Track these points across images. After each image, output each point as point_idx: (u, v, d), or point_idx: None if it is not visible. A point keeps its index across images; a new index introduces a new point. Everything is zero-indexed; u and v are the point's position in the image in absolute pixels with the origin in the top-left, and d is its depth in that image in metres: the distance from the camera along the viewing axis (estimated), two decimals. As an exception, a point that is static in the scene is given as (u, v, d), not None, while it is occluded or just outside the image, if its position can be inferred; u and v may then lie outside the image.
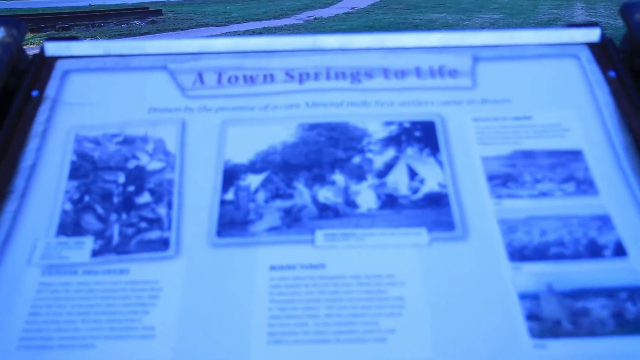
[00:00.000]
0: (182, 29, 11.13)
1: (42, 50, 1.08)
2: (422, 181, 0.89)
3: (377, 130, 0.95)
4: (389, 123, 0.96)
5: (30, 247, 0.85)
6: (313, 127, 0.96)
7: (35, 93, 1.02)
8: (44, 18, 11.21)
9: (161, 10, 13.67)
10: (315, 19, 12.45)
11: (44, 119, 0.99)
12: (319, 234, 0.84)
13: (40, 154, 0.95)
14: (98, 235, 0.86)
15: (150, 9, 13.69)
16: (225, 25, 11.72)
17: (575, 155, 0.90)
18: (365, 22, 11.28)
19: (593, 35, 1.05)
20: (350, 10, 13.96)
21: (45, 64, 1.07)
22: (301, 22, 11.96)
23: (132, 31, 10.87)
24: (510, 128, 0.93)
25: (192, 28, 11.33)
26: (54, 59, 1.08)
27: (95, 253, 0.84)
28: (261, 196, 0.88)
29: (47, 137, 0.96)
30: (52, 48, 1.08)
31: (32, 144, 0.96)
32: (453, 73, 1.01)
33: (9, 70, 1.02)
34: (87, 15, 12.21)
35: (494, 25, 10.07)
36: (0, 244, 0.85)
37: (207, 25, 11.74)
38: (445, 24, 10.94)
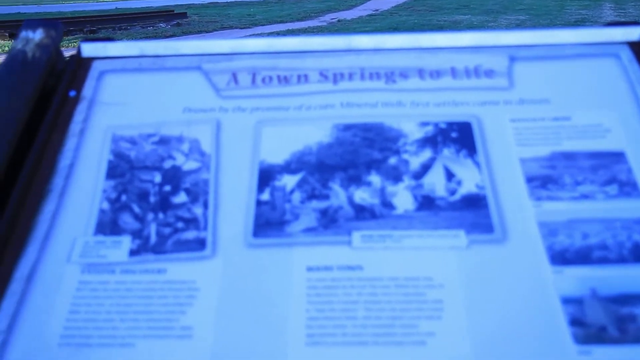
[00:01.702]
0: (206, 32, 11.22)
1: (78, 51, 1.10)
2: (459, 182, 0.88)
3: (413, 131, 0.94)
4: (424, 124, 0.95)
5: (69, 245, 0.86)
6: (348, 127, 0.95)
7: (72, 93, 1.03)
8: (72, 21, 11.38)
9: (186, 13, 13.79)
10: (338, 21, 12.45)
11: (82, 118, 1.00)
12: (356, 235, 0.83)
13: (78, 153, 0.95)
14: (135, 234, 0.86)
15: (175, 11, 13.81)
16: (249, 27, 11.78)
17: (618, 156, 0.88)
18: (389, 24, 11.24)
19: (633, 34, 1.03)
20: (374, 12, 13.93)
21: (82, 64, 1.08)
22: (324, 24, 11.96)
23: (158, 34, 10.99)
24: (549, 129, 0.92)
25: (217, 30, 11.40)
26: (90, 59, 1.09)
27: (132, 252, 0.84)
28: (297, 197, 0.88)
29: (84, 137, 0.97)
30: (89, 49, 1.09)
31: (70, 144, 0.97)
32: (489, 73, 1.00)
33: (47, 70, 1.03)
34: (114, 19, 12.37)
35: (519, 27, 9.96)
36: (40, 242, 0.86)
37: (231, 27, 11.81)
38: (470, 25, 10.86)
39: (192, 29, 11.61)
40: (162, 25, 12.45)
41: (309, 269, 0.80)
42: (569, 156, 0.89)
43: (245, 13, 14.45)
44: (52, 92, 1.04)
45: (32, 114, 0.99)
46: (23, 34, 1.06)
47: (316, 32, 10.46)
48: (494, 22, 11.12)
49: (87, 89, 1.04)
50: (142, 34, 10.99)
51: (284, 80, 1.02)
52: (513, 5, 13.79)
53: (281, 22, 12.62)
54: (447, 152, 0.91)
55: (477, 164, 0.89)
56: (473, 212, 0.85)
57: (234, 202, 0.88)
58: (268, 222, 0.85)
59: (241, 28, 11.72)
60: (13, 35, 10.82)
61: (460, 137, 0.93)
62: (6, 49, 9.56)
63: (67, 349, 0.76)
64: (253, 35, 10.36)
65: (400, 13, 13.25)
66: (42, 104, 1.02)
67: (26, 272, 0.83)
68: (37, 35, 1.06)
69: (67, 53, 1.12)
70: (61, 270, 0.83)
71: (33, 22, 1.08)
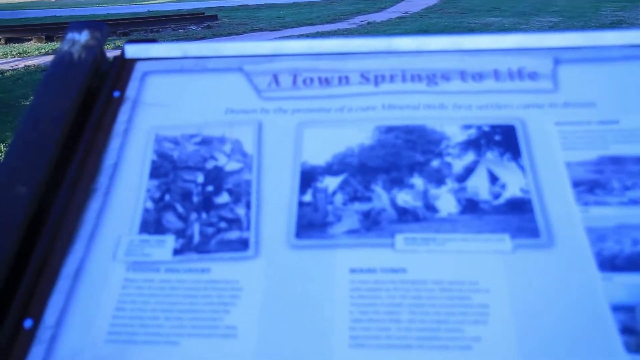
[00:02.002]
0: (236, 34, 11.30)
1: (122, 52, 1.11)
2: (503, 186, 0.87)
3: (456, 134, 0.93)
4: (467, 127, 0.94)
5: (115, 243, 0.87)
6: (390, 129, 0.95)
7: (116, 94, 1.05)
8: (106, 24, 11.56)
9: (216, 15, 13.92)
10: (368, 23, 12.43)
11: (125, 119, 1.01)
12: (399, 238, 0.83)
13: (122, 153, 0.97)
14: (179, 234, 0.87)
15: (205, 14, 13.95)
16: (279, 29, 11.83)
17: (668, 161, 0.86)
18: (419, 27, 11.19)
19: (683, 36, 1.01)
20: (404, 14, 13.87)
21: (125, 65, 1.10)
22: (354, 26, 11.96)
23: (189, 36, 11.11)
24: (595, 132, 0.90)
25: (247, 33, 11.48)
26: (134, 61, 1.11)
27: (176, 251, 0.85)
28: (339, 198, 0.88)
29: (128, 137, 0.99)
30: (132, 50, 1.11)
31: (115, 143, 0.98)
32: (533, 76, 0.99)
33: (92, 71, 1.05)
34: (146, 21, 12.55)
35: (552, 29, 9.82)
36: (86, 240, 0.87)
37: (261, 30, 11.88)
38: (501, 27, 10.74)
39: (222, 31, 11.71)
40: (193, 27, 12.58)
41: (352, 270, 0.80)
42: (616, 160, 0.87)
43: (274, 15, 14.53)
44: (96, 92, 1.06)
45: (78, 113, 1.01)
46: (69, 35, 1.08)
47: (346, 35, 10.46)
48: (525, 25, 10.98)
49: (131, 90, 1.06)
50: (174, 36, 11.12)
51: (325, 81, 1.02)
52: (546, 7, 13.60)
53: (310, 24, 12.65)
54: (490, 155, 0.90)
55: (522, 168, 0.88)
56: (518, 216, 0.83)
57: (276, 203, 0.88)
58: (310, 224, 0.86)
59: (271, 30, 11.78)
60: (49, 38, 11.06)
61: (503, 140, 0.92)
62: (42, 51, 9.77)
63: (114, 346, 0.77)
64: (282, 37, 10.41)
65: (430, 15, 13.18)
66: (87, 104, 1.04)
67: (73, 269, 0.84)
68: (83, 37, 1.08)
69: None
70: (107, 267, 0.84)
71: (79, 24, 1.10)
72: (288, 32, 11.46)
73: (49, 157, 0.93)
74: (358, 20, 13.20)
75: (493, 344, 0.72)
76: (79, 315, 0.80)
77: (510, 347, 0.72)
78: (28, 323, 0.80)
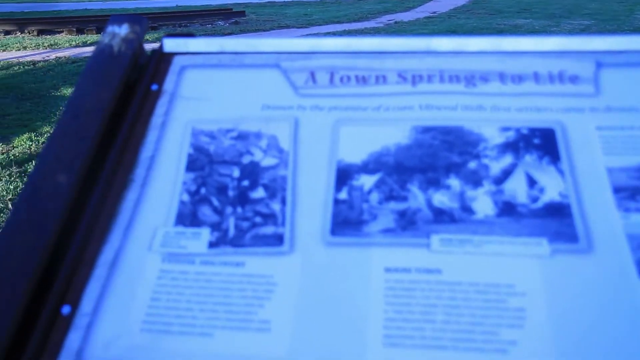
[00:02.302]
0: (264, 30, 11.34)
1: (160, 46, 1.12)
2: (541, 190, 0.86)
3: (494, 136, 0.92)
4: (505, 129, 0.93)
5: (151, 234, 0.88)
6: (427, 130, 0.94)
7: (154, 87, 1.06)
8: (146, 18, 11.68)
9: (244, 11, 13.98)
10: (395, 22, 12.38)
11: (163, 112, 1.02)
12: (435, 239, 0.83)
13: (159, 145, 0.98)
14: (214, 227, 0.88)
15: (233, 10, 14.02)
16: (306, 27, 11.84)
17: None
18: (447, 27, 11.11)
19: None
20: (432, 14, 13.78)
21: (163, 59, 1.11)
22: (382, 25, 11.91)
23: (216, 31, 11.18)
24: (638, 138, 0.89)
25: (274, 29, 11.51)
26: (172, 55, 1.12)
27: (212, 244, 0.86)
28: (375, 197, 0.88)
29: (165, 130, 1.00)
30: (170, 44, 1.12)
31: (152, 136, 0.99)
32: (574, 79, 0.97)
33: (131, 64, 1.06)
34: (175, 16, 12.65)
35: (584, 32, 9.67)
36: (123, 230, 0.88)
37: (288, 27, 11.90)
38: (531, 30, 10.62)
39: (249, 27, 11.76)
40: (221, 23, 12.66)
41: (387, 269, 0.80)
42: (659, 167, 0.86)
43: (302, 13, 14.54)
44: (134, 85, 1.07)
45: (116, 105, 1.02)
46: (109, 28, 1.10)
47: (373, 34, 10.42)
48: (556, 27, 10.84)
49: (169, 83, 1.07)
50: (201, 31, 11.20)
51: (362, 80, 1.02)
52: (577, 10, 13.40)
53: (338, 22, 12.64)
54: (528, 158, 0.89)
55: (561, 172, 0.87)
56: (556, 220, 0.83)
57: (311, 199, 0.89)
58: (346, 221, 0.86)
59: (298, 27, 11.79)
60: (80, 30, 11.22)
61: (542, 143, 0.90)
62: (73, 43, 9.91)
63: (149, 335, 0.78)
64: (309, 35, 10.42)
65: (459, 16, 13.07)
66: (125, 96, 1.05)
67: (110, 258, 0.86)
68: (123, 30, 1.09)
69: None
70: (143, 258, 0.85)
71: (119, 18, 1.12)
72: (315, 29, 11.46)
73: (89, 147, 0.94)
74: (385, 19, 13.15)
75: (529, 348, 0.72)
76: (115, 303, 0.81)
77: (546, 352, 0.71)
78: (66, 309, 0.81)
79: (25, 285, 0.80)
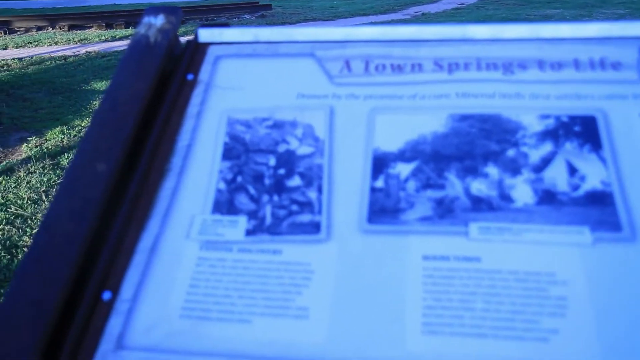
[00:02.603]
0: (290, 23, 11.34)
1: (195, 36, 1.13)
2: (582, 178, 0.84)
3: (533, 124, 0.91)
4: (545, 116, 0.91)
5: (188, 222, 0.89)
6: (464, 118, 0.93)
7: (190, 77, 1.07)
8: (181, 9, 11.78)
9: (270, 5, 13.99)
10: (422, 14, 12.27)
11: (199, 101, 1.03)
12: (473, 227, 0.82)
13: (195, 134, 0.99)
14: (251, 215, 0.88)
15: (260, 3, 14.05)
16: (332, 19, 11.81)
17: None
18: (475, 18, 10.97)
19: None
20: (459, 5, 13.62)
21: (198, 49, 1.12)
22: (408, 17, 11.82)
23: (243, 25, 11.20)
24: (683, 125, 0.86)
25: (300, 22, 11.50)
26: (207, 45, 1.12)
27: (249, 232, 0.86)
28: (411, 185, 0.87)
29: (201, 119, 1.01)
30: (205, 34, 1.13)
31: (188, 125, 1.00)
32: (616, 65, 0.95)
33: (167, 54, 1.07)
34: (202, 9, 12.72)
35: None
36: (161, 217, 0.89)
37: (314, 19, 11.88)
38: (562, 20, 10.42)
39: (275, 20, 11.77)
40: (247, 16, 12.70)
41: (425, 257, 0.80)
42: None
43: (328, 5, 14.49)
44: (170, 75, 1.08)
45: (153, 95, 1.03)
46: (145, 19, 1.11)
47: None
48: (588, 17, 10.62)
49: (204, 73, 1.07)
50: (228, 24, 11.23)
51: (398, 68, 1.01)
52: (609, -1, 13.11)
53: (364, 14, 12.57)
54: (569, 146, 0.88)
55: (603, 160, 0.85)
56: (598, 209, 0.81)
57: (348, 187, 0.88)
58: (383, 209, 0.85)
59: (324, 20, 11.76)
60: (109, 25, 11.35)
61: (583, 131, 0.89)
62: (102, 38, 10.04)
63: (188, 321, 0.79)
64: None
65: (487, 7, 12.90)
66: (161, 86, 1.06)
67: (149, 245, 0.87)
68: (159, 21, 1.10)
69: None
70: (181, 245, 0.86)
71: (155, 9, 1.12)
72: (341, 22, 11.42)
73: (126, 136, 0.95)
74: (412, 11, 13.04)
75: (571, 337, 0.71)
76: (155, 290, 0.82)
77: (589, 341, 0.70)
78: (107, 295, 0.82)
79: (67, 272, 0.82)
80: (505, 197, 0.84)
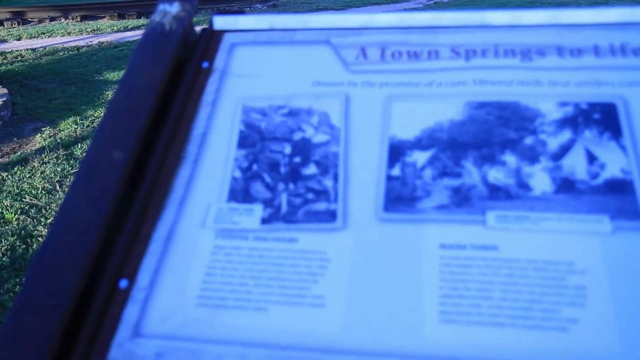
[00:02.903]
0: (301, 13, 11.28)
1: (210, 24, 1.13)
2: (602, 166, 0.83)
3: (551, 111, 0.90)
4: (563, 104, 0.90)
5: (204, 210, 0.89)
6: (481, 105, 0.92)
7: (205, 64, 1.06)
8: None
9: (282, -6, 13.93)
10: (435, 2, 12.16)
11: (214, 89, 1.03)
12: (491, 215, 0.81)
13: (210, 122, 0.98)
14: (267, 203, 0.88)
15: (271, -8, 13.98)
16: (343, 9, 11.74)
17: None
18: (488, 6, 10.85)
19: None
20: (473, -6, 13.47)
21: (213, 37, 1.11)
22: (421, 6, 11.73)
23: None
24: None
25: (311, 11, 11.44)
26: (222, 32, 1.12)
27: (264, 220, 0.86)
28: (428, 173, 0.87)
29: (216, 107, 1.00)
30: (220, 22, 1.12)
31: (203, 113, 1.00)
32: (637, 51, 0.94)
33: (182, 42, 1.07)
34: (213, -1, 12.69)
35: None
36: (176, 206, 0.89)
37: (325, 9, 11.82)
38: (577, 6, 10.25)
39: (287, 9, 11.73)
40: (259, 6, 12.65)
41: (442, 246, 0.79)
42: None
43: (340, -5, 14.39)
44: (185, 63, 1.08)
45: (168, 83, 1.03)
46: (161, 7, 1.10)
47: (412, 15, 10.23)
48: (605, 4, 10.46)
49: (219, 61, 1.07)
50: (240, 14, 11.20)
51: (414, 55, 1.00)
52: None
53: (376, 4, 12.49)
54: (588, 133, 0.87)
55: (623, 148, 0.84)
56: (618, 197, 0.80)
57: (364, 176, 0.88)
58: (399, 197, 0.85)
59: (336, 10, 11.70)
60: (121, 16, 11.37)
61: (603, 118, 0.87)
62: (115, 28, 10.06)
63: (204, 309, 0.79)
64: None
65: (501, -5, 12.75)
66: (176, 74, 1.06)
67: (165, 234, 0.87)
68: (174, 8, 1.09)
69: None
70: (197, 234, 0.86)
71: (169, -4, 1.12)
72: (353, 11, 11.36)
73: (142, 124, 0.95)
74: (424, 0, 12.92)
75: (591, 326, 0.70)
76: (171, 278, 0.83)
77: (609, 330, 0.69)
78: (123, 283, 0.83)
79: (84, 260, 0.82)
80: (523, 186, 0.83)
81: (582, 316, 0.71)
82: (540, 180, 0.83)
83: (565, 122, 0.88)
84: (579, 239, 0.77)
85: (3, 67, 7.27)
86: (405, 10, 11.08)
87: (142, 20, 10.85)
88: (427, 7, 11.33)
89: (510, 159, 0.86)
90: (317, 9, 11.72)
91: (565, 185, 0.82)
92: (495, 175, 0.85)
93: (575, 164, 0.84)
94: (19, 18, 11.40)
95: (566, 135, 0.87)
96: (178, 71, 1.06)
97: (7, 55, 7.97)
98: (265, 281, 0.80)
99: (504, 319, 0.72)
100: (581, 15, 0.99)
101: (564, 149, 0.86)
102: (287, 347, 0.74)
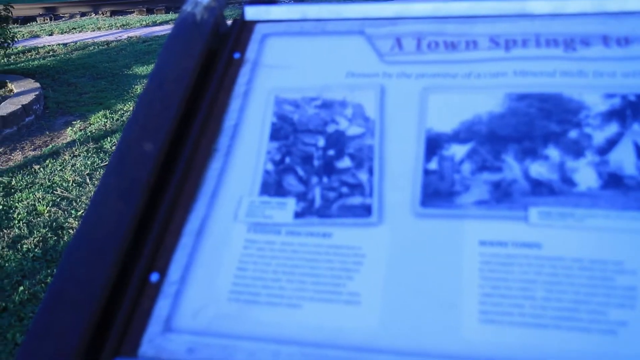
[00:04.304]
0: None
1: (242, 14, 1.11)
2: (652, 161, 0.79)
3: (597, 103, 0.86)
4: (610, 95, 0.86)
5: (236, 204, 0.87)
6: (522, 97, 0.89)
7: (237, 55, 1.04)
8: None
9: (310, -12, 13.89)
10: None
11: (245, 80, 1.01)
12: (533, 211, 0.78)
13: (242, 114, 0.97)
14: (300, 197, 0.86)
15: (299, -13, 13.96)
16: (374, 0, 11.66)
17: None
18: None
19: None
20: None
21: (245, 27, 1.09)
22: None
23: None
24: None
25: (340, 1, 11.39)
26: (253, 22, 1.10)
27: (297, 214, 0.84)
28: (467, 167, 0.83)
29: (248, 98, 0.98)
30: (252, 12, 1.10)
31: (235, 105, 0.98)
32: (688, 41, 0.89)
33: (213, 32, 1.05)
34: (241, -6, 12.71)
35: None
36: (208, 199, 0.88)
37: (345, 1, 11.75)
38: None
39: (316, 0, 11.70)
40: None
41: (482, 243, 0.76)
42: None
43: (368, -12, 14.31)
44: (216, 53, 1.06)
45: (199, 74, 1.01)
46: (192, -4, 1.09)
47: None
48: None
49: (251, 52, 1.05)
50: (268, 9, 11.20)
51: (451, 46, 0.97)
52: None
53: (405, -3, 12.37)
54: (637, 127, 0.83)
55: None
56: (669, 194, 0.76)
57: (400, 169, 0.85)
58: (437, 192, 0.82)
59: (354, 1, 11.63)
60: (150, 10, 11.47)
61: (653, 111, 0.83)
62: (143, 22, 10.15)
63: (236, 304, 0.77)
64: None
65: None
66: (208, 65, 1.04)
67: (196, 227, 0.85)
68: (205, -2, 1.08)
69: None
70: (228, 227, 0.85)
71: (201, -14, 1.10)
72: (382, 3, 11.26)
73: (173, 116, 0.94)
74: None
75: (642, 330, 0.66)
76: (202, 272, 0.81)
77: (661, 335, 0.66)
78: (154, 277, 0.81)
79: (115, 253, 0.81)
80: (567, 181, 0.80)
81: (632, 319, 0.67)
82: (585, 175, 0.80)
83: (612, 115, 0.84)
84: (628, 237, 0.73)
85: (36, 62, 7.39)
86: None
87: (170, 15, 10.93)
88: None
89: (553, 153, 0.82)
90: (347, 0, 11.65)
91: (613, 181, 0.79)
92: (538, 169, 0.81)
93: (623, 159, 0.80)
94: (51, 14, 11.58)
95: (613, 128, 0.83)
96: (209, 62, 1.04)
97: (39, 50, 8.10)
98: (298, 277, 0.78)
99: (548, 320, 0.69)
100: (628, 2, 0.94)
101: (611, 143, 0.82)
102: (321, 344, 0.72)
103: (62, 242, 3.22)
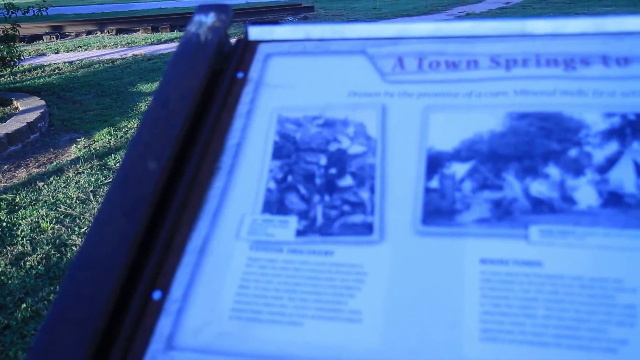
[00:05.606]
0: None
1: (245, 34, 1.12)
2: (652, 179, 0.80)
3: (597, 122, 0.86)
4: (610, 114, 0.87)
5: (238, 222, 0.87)
6: (523, 116, 0.89)
7: (240, 75, 1.06)
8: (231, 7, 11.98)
9: (313, 6, 14.04)
10: (467, 14, 12.10)
11: (249, 99, 1.02)
12: (534, 230, 0.78)
13: (245, 133, 0.98)
14: (302, 215, 0.86)
15: (302, 5, 14.10)
16: (375, 21, 11.76)
17: None
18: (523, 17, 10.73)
19: None
20: (505, 5, 13.38)
21: (248, 47, 1.11)
22: (452, 17, 11.67)
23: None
24: None
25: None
26: (257, 42, 1.11)
27: (299, 232, 0.85)
28: (468, 186, 0.84)
29: (251, 117, 0.99)
30: (255, 32, 1.12)
31: (238, 124, 0.99)
32: (687, 61, 0.90)
33: (217, 52, 1.07)
34: (245, 12, 12.86)
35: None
36: (210, 217, 0.89)
37: (357, 20, 11.85)
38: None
39: (318, 22, 11.80)
40: (290, 18, 12.76)
41: (483, 261, 0.77)
42: None
43: (370, 7, 14.45)
44: (220, 73, 1.08)
45: (203, 93, 1.03)
46: (196, 17, 1.11)
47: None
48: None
49: (254, 71, 1.06)
50: (272, 27, 11.31)
51: (453, 65, 0.98)
52: (663, -3, 12.65)
53: (407, 15, 12.48)
54: (637, 145, 0.83)
55: None
56: (669, 212, 0.76)
57: (401, 188, 0.86)
58: (438, 211, 0.82)
59: (367, 21, 11.73)
60: (155, 29, 11.57)
61: (652, 130, 0.84)
62: (149, 41, 10.24)
63: (238, 322, 0.78)
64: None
65: (534, 6, 12.62)
66: (211, 84, 1.05)
67: (198, 245, 0.86)
68: (210, 19, 1.09)
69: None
70: (231, 245, 0.85)
71: (206, 7, 1.12)
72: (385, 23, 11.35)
73: (177, 134, 0.95)
74: (456, 11, 12.88)
75: (643, 349, 0.66)
76: (204, 290, 0.82)
77: (663, 354, 0.66)
78: (157, 295, 0.82)
79: (118, 270, 0.81)
80: (568, 199, 0.80)
81: (632, 337, 0.67)
82: (585, 193, 0.80)
83: (612, 134, 0.85)
84: (628, 256, 0.74)
85: (41, 80, 7.45)
86: (436, 21, 11.04)
87: (175, 33, 11.02)
88: (459, 18, 11.27)
89: (553, 171, 0.83)
90: (349, 21, 11.75)
91: (613, 199, 0.79)
92: (538, 188, 0.82)
93: (623, 177, 0.81)
94: (58, 32, 11.69)
95: (613, 147, 0.84)
96: (213, 81, 1.06)
97: (45, 68, 8.17)
98: (300, 295, 0.78)
99: (549, 338, 0.69)
100: (628, 22, 0.95)
101: (611, 161, 0.82)
102: None
103: (65, 259, 3.22)
